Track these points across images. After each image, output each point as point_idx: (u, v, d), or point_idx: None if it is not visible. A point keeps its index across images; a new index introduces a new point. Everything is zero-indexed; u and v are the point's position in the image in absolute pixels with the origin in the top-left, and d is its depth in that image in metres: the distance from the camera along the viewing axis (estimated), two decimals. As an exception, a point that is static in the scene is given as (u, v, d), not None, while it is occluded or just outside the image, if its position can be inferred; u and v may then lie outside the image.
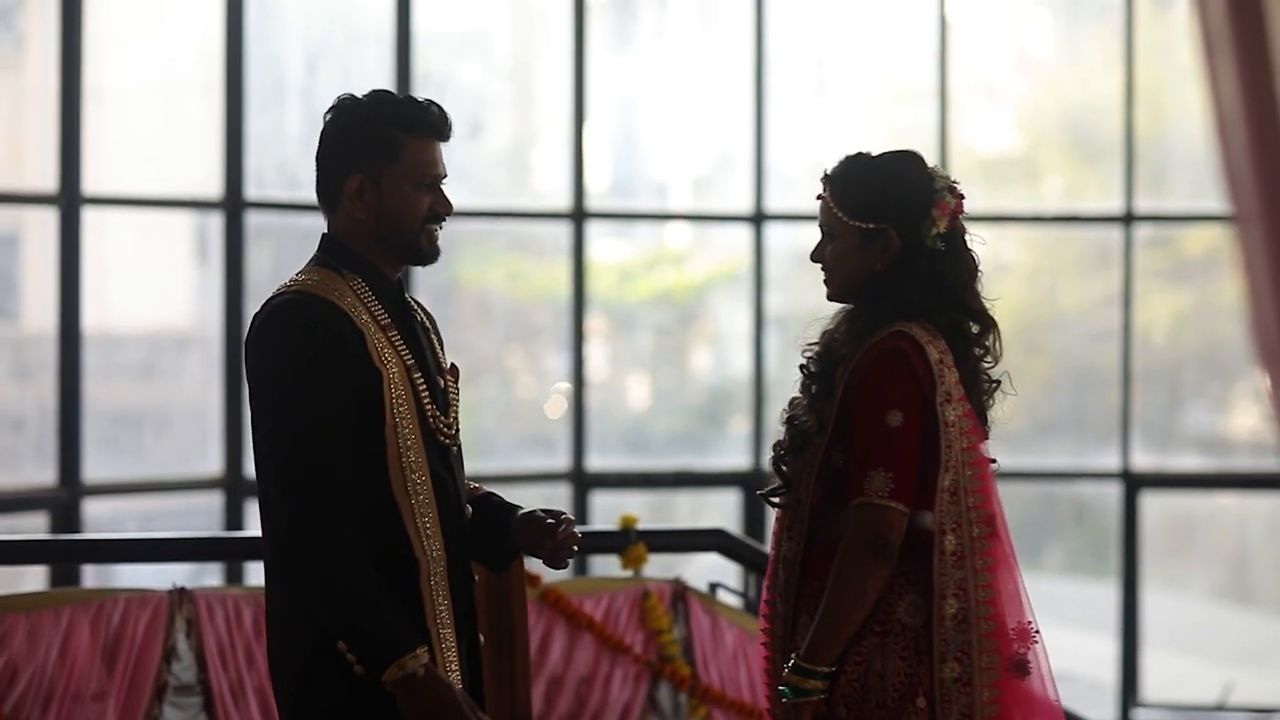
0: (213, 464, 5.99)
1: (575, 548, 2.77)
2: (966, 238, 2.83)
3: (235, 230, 5.93)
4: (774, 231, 6.51)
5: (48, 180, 5.66)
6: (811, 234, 7.83)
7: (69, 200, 5.63)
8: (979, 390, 2.81)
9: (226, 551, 4.97)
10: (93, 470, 5.74)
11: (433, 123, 2.75)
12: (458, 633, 2.70)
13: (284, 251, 6.32)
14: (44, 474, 5.71)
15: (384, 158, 2.72)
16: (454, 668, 2.67)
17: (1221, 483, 7.04)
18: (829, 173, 2.82)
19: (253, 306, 5.94)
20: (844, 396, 2.72)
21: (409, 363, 2.74)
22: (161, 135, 6.22)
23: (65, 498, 5.66)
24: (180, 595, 3.90)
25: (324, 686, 2.63)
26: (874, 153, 2.82)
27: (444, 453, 2.76)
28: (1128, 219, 6.62)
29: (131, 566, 5.32)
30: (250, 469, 5.97)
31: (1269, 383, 1.87)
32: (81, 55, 5.65)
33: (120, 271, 6.03)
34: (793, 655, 2.73)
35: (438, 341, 2.89)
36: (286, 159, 6.30)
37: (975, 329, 2.81)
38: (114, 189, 5.82)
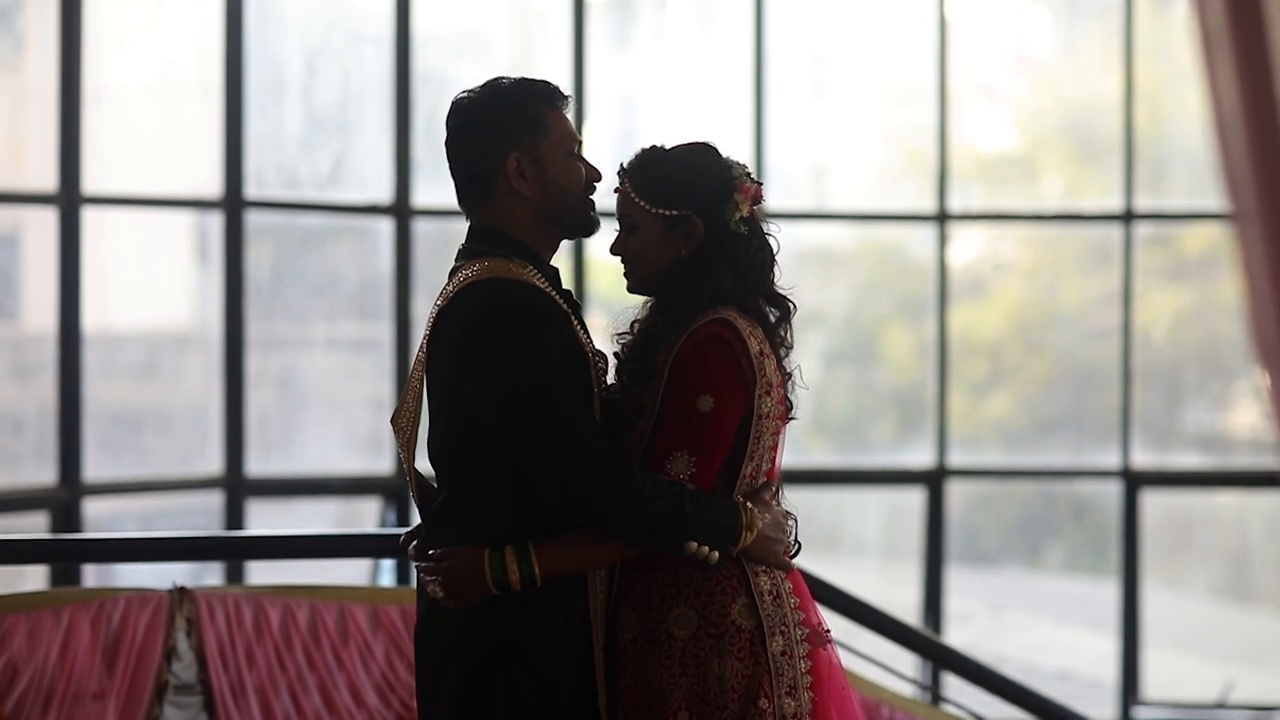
0: (213, 463, 5.99)
1: None
2: (766, 226, 2.87)
3: (235, 230, 5.94)
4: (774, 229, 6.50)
5: (47, 180, 5.66)
6: (813, 233, 7.81)
7: (69, 200, 5.63)
8: (784, 379, 2.84)
9: (227, 551, 4.97)
10: (93, 470, 5.74)
11: (559, 94, 2.81)
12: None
13: (284, 251, 6.32)
14: (44, 473, 5.71)
15: (534, 132, 2.77)
16: (600, 624, 2.75)
17: (1221, 481, 7.04)
18: (625, 166, 2.86)
19: (253, 306, 6.01)
20: (665, 381, 2.75)
21: (591, 347, 2.80)
22: (161, 135, 6.22)
23: (65, 497, 5.67)
24: (180, 595, 3.90)
25: (499, 685, 2.68)
26: (668, 145, 2.86)
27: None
28: (1127, 218, 6.62)
29: (132, 566, 5.32)
30: (250, 469, 5.97)
31: (1268, 381, 1.87)
32: (81, 55, 5.65)
33: (120, 271, 6.03)
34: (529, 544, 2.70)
35: None
36: (286, 159, 6.30)
37: (774, 316, 2.84)
38: (114, 189, 5.82)
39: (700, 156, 2.84)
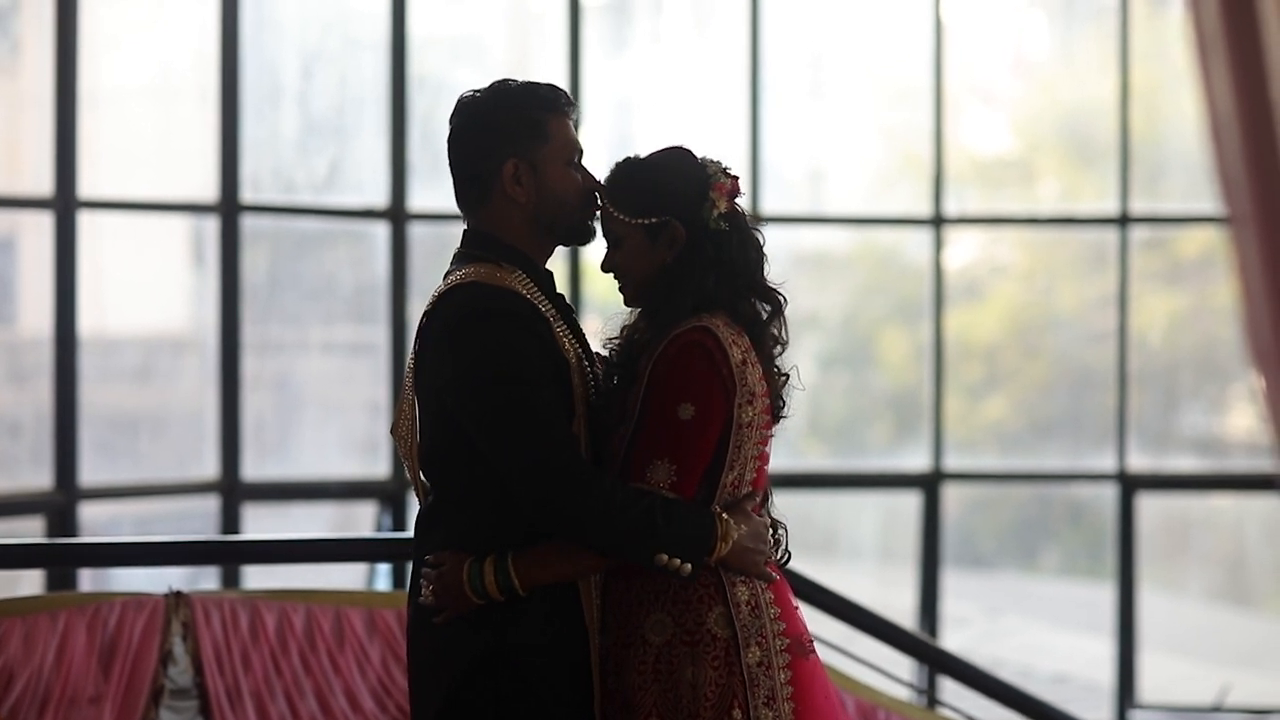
0: (209, 468, 5.99)
1: None
2: (751, 222, 2.84)
3: (231, 234, 5.93)
4: (770, 233, 6.48)
5: (43, 184, 5.66)
6: (810, 236, 7.80)
7: (65, 204, 5.63)
8: (775, 383, 2.81)
9: (222, 555, 4.96)
10: (89, 474, 5.73)
11: (563, 100, 2.79)
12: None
13: (279, 255, 6.32)
14: (40, 478, 5.71)
15: (534, 138, 2.75)
16: (596, 629, 2.74)
17: (1218, 484, 7.05)
18: (602, 182, 2.83)
19: (249, 310, 6.00)
20: (645, 386, 2.73)
21: (580, 352, 2.76)
22: (157, 139, 6.22)
23: (62, 501, 5.66)
24: (176, 599, 3.89)
25: (487, 693, 2.67)
26: (642, 154, 2.84)
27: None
28: (1123, 221, 6.63)
29: (127, 570, 5.31)
30: (246, 473, 5.96)
31: (1264, 383, 1.88)
32: (77, 59, 5.64)
33: (116, 275, 6.03)
34: (508, 554, 2.68)
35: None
36: (282, 163, 6.30)
37: (766, 312, 2.81)
38: (110, 193, 5.82)
39: (672, 160, 2.82)
